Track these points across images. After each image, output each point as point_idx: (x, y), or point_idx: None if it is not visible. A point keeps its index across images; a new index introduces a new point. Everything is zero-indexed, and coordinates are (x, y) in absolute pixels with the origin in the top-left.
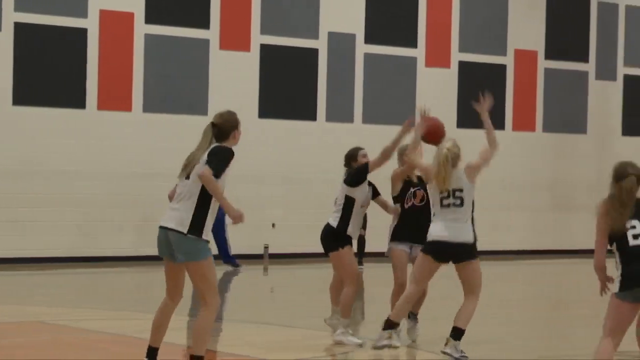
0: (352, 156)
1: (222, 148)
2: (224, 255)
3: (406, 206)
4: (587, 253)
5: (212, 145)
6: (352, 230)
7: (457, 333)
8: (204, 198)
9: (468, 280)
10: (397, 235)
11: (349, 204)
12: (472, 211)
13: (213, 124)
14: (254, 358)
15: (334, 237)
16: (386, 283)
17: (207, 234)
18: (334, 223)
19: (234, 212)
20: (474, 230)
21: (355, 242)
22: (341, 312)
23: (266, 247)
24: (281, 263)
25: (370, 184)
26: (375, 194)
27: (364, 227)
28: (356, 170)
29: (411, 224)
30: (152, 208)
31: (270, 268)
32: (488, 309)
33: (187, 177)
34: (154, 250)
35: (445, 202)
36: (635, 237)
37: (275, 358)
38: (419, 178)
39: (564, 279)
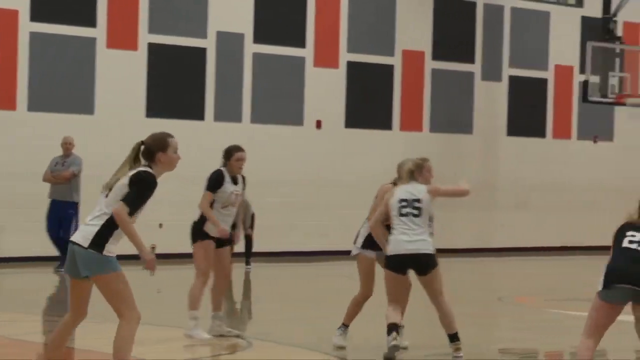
0: (228, 153)
1: (144, 177)
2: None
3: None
4: (470, 252)
5: (138, 169)
6: (210, 227)
7: (454, 336)
8: (114, 222)
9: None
10: (369, 243)
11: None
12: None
13: (142, 142)
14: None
15: (193, 232)
16: (273, 283)
17: (111, 251)
18: (197, 218)
19: (147, 255)
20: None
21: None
22: (188, 304)
23: (153, 247)
24: (169, 263)
25: (243, 181)
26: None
27: (251, 227)
28: (212, 176)
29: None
30: (37, 209)
31: (158, 268)
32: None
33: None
34: (40, 251)
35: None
36: (630, 242)
37: (159, 358)
38: None
39: (456, 276)
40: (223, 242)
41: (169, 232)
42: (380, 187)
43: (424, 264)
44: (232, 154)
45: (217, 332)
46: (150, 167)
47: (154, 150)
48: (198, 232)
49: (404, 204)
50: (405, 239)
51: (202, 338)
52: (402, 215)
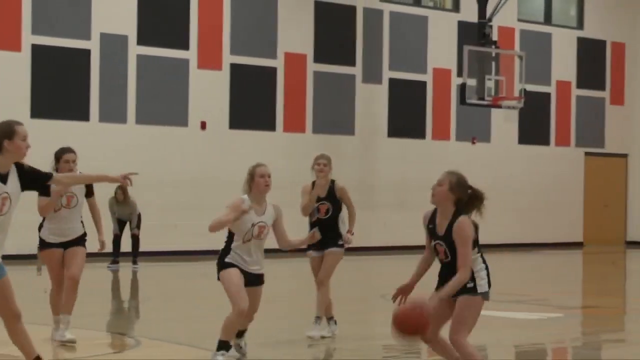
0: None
1: None
2: None
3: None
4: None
5: None
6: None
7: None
8: None
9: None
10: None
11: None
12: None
13: None
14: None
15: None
16: (158, 282)
17: None
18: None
19: None
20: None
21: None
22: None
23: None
24: None
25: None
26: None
27: (137, 226)
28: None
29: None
30: None
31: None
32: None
33: None
34: None
35: None
36: None
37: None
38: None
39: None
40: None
41: None
42: (303, 187)
43: None
44: (60, 156)
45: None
46: None
47: (0, 138)
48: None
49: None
50: None
51: (67, 339)
52: None
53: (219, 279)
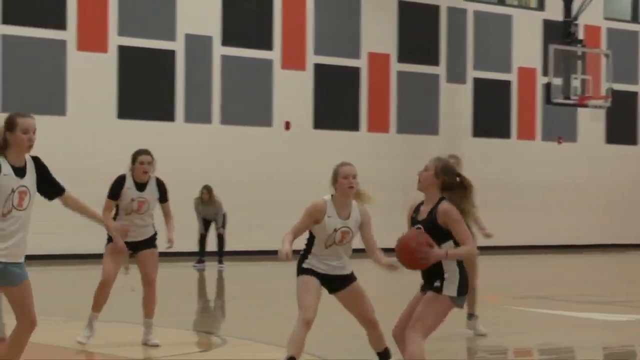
0: (131, 158)
1: None
2: None
3: None
4: None
5: None
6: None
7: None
8: None
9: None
10: None
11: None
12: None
13: None
14: None
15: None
16: (245, 281)
17: None
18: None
19: None
20: None
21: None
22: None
23: None
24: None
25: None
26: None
27: (223, 226)
28: (115, 185)
29: None
30: None
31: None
32: None
33: None
34: None
35: None
36: None
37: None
38: None
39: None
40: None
41: None
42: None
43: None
44: (136, 157)
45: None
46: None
47: (3, 130)
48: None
49: None
50: None
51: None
52: None
53: None
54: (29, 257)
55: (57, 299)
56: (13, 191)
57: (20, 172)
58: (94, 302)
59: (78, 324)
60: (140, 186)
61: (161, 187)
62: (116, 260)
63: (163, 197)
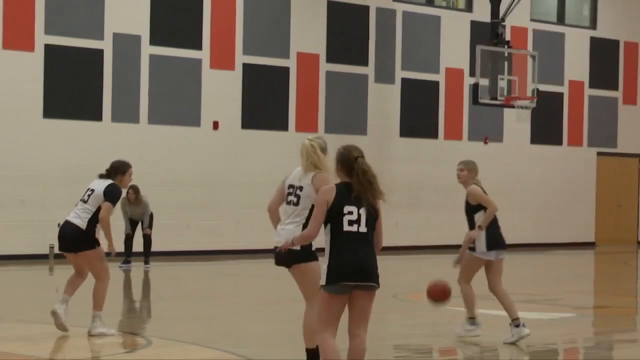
0: (118, 170)
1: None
2: None
3: None
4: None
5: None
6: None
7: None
8: None
9: (302, 284)
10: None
11: (98, 211)
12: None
13: None
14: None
15: (85, 237)
16: (170, 281)
17: None
18: (83, 224)
19: None
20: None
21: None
22: (95, 305)
23: (51, 247)
24: (66, 263)
25: None
26: None
27: (150, 226)
28: (119, 192)
29: None
30: None
31: (56, 268)
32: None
33: None
34: None
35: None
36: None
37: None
38: None
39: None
40: None
41: None
42: None
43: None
44: (125, 171)
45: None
46: None
47: None
48: (93, 238)
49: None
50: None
51: (112, 333)
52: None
53: None
54: None
55: None
56: None
57: None
58: (102, 302)
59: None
60: None
61: None
62: None
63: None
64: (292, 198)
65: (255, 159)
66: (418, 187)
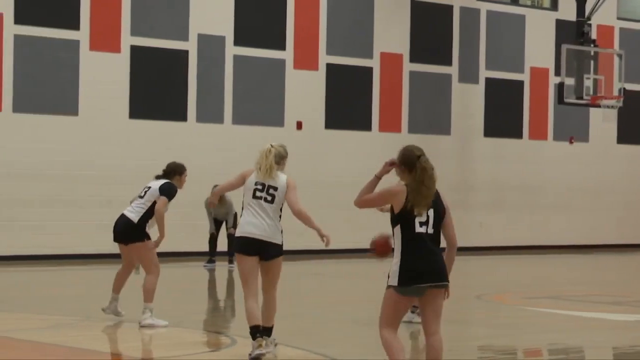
0: (175, 171)
1: None
2: None
3: None
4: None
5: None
6: (149, 226)
7: (269, 331)
8: None
9: (269, 276)
10: None
11: (152, 206)
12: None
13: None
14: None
15: (135, 230)
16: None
17: None
18: (135, 218)
19: None
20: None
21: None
22: (146, 298)
23: None
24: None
25: None
26: None
27: (234, 226)
28: (175, 190)
29: None
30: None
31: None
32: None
33: None
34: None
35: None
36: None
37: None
38: None
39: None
40: None
41: None
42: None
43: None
44: (182, 172)
45: (114, 311)
46: None
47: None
48: (144, 231)
49: (259, 187)
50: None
51: (162, 324)
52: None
53: None
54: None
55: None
56: None
57: None
58: (152, 294)
59: (90, 325)
60: None
61: None
62: None
63: None
64: (264, 195)
65: (338, 159)
66: (502, 187)
